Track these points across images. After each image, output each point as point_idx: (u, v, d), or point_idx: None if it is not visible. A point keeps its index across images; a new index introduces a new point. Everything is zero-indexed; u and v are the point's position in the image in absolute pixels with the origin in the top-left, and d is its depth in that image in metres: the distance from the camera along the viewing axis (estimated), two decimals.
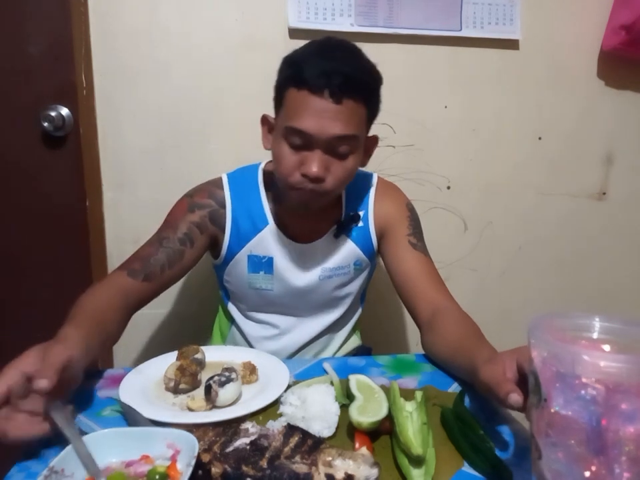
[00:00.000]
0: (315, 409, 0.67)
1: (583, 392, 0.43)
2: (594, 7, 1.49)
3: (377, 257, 1.13)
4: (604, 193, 1.63)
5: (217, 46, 1.36)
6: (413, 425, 0.65)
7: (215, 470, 0.55)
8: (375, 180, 1.10)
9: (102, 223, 1.39)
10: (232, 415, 0.70)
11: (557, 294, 1.66)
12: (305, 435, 0.60)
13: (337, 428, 0.68)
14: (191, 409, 0.72)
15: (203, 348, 0.87)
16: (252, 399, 0.75)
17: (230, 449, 0.58)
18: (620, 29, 1.43)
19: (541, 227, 1.62)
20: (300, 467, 0.55)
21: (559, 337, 0.46)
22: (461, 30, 1.43)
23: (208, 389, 0.72)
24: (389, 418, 0.65)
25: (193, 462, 0.54)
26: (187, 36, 1.34)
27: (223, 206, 1.02)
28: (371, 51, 0.92)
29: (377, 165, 1.38)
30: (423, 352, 0.96)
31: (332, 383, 0.77)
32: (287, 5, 1.34)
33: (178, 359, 0.82)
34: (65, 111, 1.32)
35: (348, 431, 0.68)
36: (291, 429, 0.61)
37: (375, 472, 0.54)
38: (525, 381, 0.62)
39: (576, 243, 1.65)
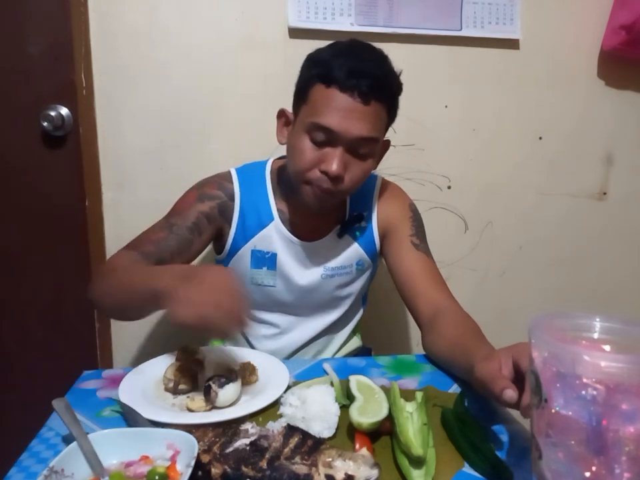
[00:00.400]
0: (315, 409, 0.67)
1: (583, 392, 0.43)
2: (594, 7, 1.49)
3: (379, 258, 1.13)
4: (604, 193, 1.63)
5: (217, 46, 1.36)
6: (413, 425, 0.65)
7: (215, 471, 0.55)
8: (378, 181, 1.11)
9: (101, 223, 1.39)
10: (232, 416, 0.70)
11: (557, 294, 1.66)
12: (305, 435, 0.60)
13: (337, 428, 0.68)
14: (190, 410, 0.72)
15: (203, 348, 0.87)
16: (252, 400, 0.75)
17: (230, 449, 0.57)
18: (620, 29, 1.43)
19: (541, 226, 1.62)
20: (300, 467, 0.54)
21: (559, 337, 0.46)
22: (461, 29, 1.43)
23: (207, 389, 0.72)
24: (389, 418, 0.65)
25: (193, 462, 0.54)
26: (187, 36, 1.34)
27: (232, 199, 1.03)
28: None
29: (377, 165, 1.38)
30: (423, 353, 0.96)
31: (332, 384, 0.77)
32: (286, 5, 1.34)
33: (177, 359, 0.82)
34: (64, 111, 1.32)
35: (348, 432, 0.68)
36: (290, 430, 0.61)
37: (375, 473, 0.54)
38: (521, 377, 0.62)
39: (576, 242, 1.64)
